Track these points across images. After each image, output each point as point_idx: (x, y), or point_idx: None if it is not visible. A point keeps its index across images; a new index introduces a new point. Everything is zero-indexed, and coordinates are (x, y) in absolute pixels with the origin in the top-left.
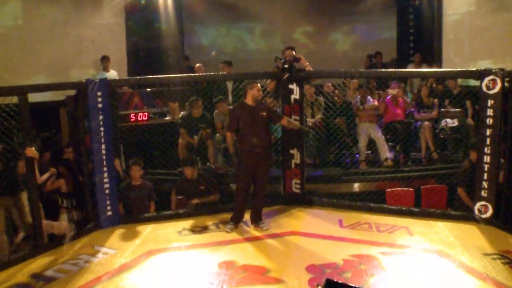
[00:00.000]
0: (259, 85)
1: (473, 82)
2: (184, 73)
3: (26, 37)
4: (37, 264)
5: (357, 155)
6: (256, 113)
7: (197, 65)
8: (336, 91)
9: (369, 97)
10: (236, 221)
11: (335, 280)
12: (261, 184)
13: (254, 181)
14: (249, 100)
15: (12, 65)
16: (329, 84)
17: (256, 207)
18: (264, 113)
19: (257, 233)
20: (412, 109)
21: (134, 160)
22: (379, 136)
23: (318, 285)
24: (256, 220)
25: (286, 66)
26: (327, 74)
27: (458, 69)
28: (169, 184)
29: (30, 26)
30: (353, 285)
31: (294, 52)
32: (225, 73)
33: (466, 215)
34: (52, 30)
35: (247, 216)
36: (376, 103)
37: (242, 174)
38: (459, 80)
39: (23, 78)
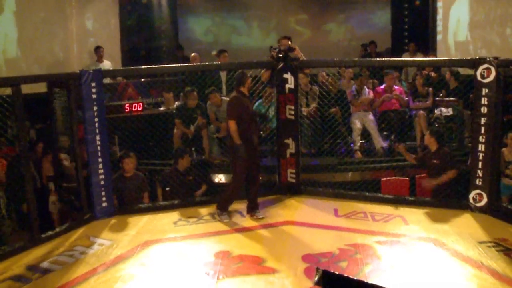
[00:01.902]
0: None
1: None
2: (178, 63)
3: (21, 29)
4: (33, 256)
5: (352, 144)
6: (250, 105)
7: (193, 54)
8: (329, 79)
9: (365, 88)
10: (227, 210)
11: (332, 271)
12: (257, 174)
13: (249, 171)
14: (245, 90)
15: (8, 57)
16: (323, 73)
17: (253, 197)
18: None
19: (252, 223)
20: (406, 98)
21: (124, 152)
22: (373, 126)
23: (318, 268)
24: (253, 209)
25: (280, 55)
26: (321, 63)
27: (453, 58)
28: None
29: (24, 18)
30: (349, 276)
31: (290, 42)
32: (219, 62)
33: (461, 204)
34: (46, 21)
35: (240, 206)
36: (371, 94)
37: (242, 166)
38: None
39: (18, 70)
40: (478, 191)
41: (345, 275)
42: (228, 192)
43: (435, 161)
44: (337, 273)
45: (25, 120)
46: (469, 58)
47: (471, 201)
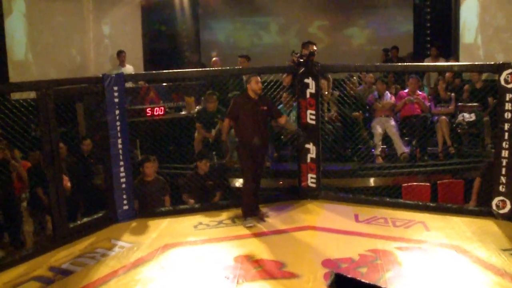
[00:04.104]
0: (258, 78)
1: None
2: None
3: (42, 34)
4: (55, 257)
5: (372, 150)
6: (257, 106)
7: (214, 59)
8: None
9: (387, 92)
10: (253, 213)
11: (345, 275)
12: (260, 177)
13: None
14: (250, 92)
15: (29, 63)
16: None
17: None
18: (265, 108)
19: (272, 228)
20: (428, 103)
21: (144, 156)
22: (394, 131)
23: (332, 271)
24: (258, 209)
25: (301, 60)
26: (342, 68)
27: (476, 63)
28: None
29: (46, 23)
30: (362, 280)
31: (315, 47)
32: (240, 67)
33: (483, 211)
34: (68, 26)
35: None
36: (393, 99)
37: (247, 167)
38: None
39: (41, 75)
40: (501, 197)
41: (358, 278)
42: (243, 197)
43: None
44: (350, 276)
45: (50, 124)
46: (492, 63)
47: (494, 207)
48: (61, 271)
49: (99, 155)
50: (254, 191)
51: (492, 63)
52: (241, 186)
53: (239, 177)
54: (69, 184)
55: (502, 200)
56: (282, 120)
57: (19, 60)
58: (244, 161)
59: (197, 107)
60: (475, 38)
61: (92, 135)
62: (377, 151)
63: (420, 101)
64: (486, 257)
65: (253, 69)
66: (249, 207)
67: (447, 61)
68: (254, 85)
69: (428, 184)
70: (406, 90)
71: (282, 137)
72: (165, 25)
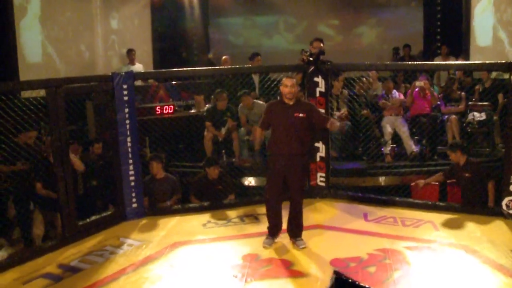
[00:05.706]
0: (288, 81)
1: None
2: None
3: (52, 31)
4: (65, 254)
5: (382, 149)
6: (290, 113)
7: (223, 57)
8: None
9: (394, 91)
10: (273, 234)
11: (346, 278)
12: (295, 195)
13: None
14: (283, 97)
15: (39, 60)
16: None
17: (291, 220)
18: (302, 115)
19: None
20: (439, 102)
21: (153, 155)
22: (404, 130)
23: (334, 272)
24: (292, 235)
25: (311, 58)
26: (352, 67)
27: (486, 61)
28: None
29: (56, 20)
30: (362, 284)
31: (322, 44)
32: (249, 66)
33: (493, 210)
34: (78, 24)
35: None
36: (401, 97)
37: (270, 180)
38: (494, 73)
39: (51, 73)
40: (511, 197)
41: (358, 282)
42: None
43: (466, 175)
44: (350, 280)
45: (60, 122)
46: (503, 61)
47: (504, 207)
48: (70, 269)
49: (109, 153)
50: (275, 211)
51: (503, 61)
52: (250, 184)
53: (248, 175)
54: (82, 167)
55: None
56: (327, 124)
57: (29, 56)
58: (268, 177)
59: (207, 105)
60: (486, 37)
61: (101, 134)
62: (387, 150)
63: (429, 89)
64: (495, 258)
65: (263, 68)
66: (269, 225)
67: (457, 59)
68: (283, 89)
69: (437, 183)
70: (416, 89)
71: None
72: (174, 24)
